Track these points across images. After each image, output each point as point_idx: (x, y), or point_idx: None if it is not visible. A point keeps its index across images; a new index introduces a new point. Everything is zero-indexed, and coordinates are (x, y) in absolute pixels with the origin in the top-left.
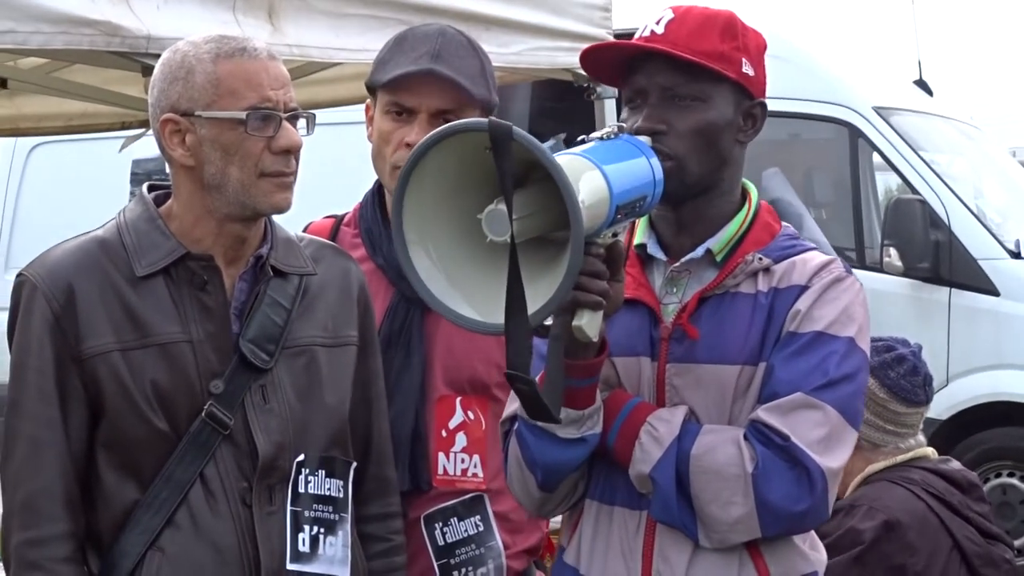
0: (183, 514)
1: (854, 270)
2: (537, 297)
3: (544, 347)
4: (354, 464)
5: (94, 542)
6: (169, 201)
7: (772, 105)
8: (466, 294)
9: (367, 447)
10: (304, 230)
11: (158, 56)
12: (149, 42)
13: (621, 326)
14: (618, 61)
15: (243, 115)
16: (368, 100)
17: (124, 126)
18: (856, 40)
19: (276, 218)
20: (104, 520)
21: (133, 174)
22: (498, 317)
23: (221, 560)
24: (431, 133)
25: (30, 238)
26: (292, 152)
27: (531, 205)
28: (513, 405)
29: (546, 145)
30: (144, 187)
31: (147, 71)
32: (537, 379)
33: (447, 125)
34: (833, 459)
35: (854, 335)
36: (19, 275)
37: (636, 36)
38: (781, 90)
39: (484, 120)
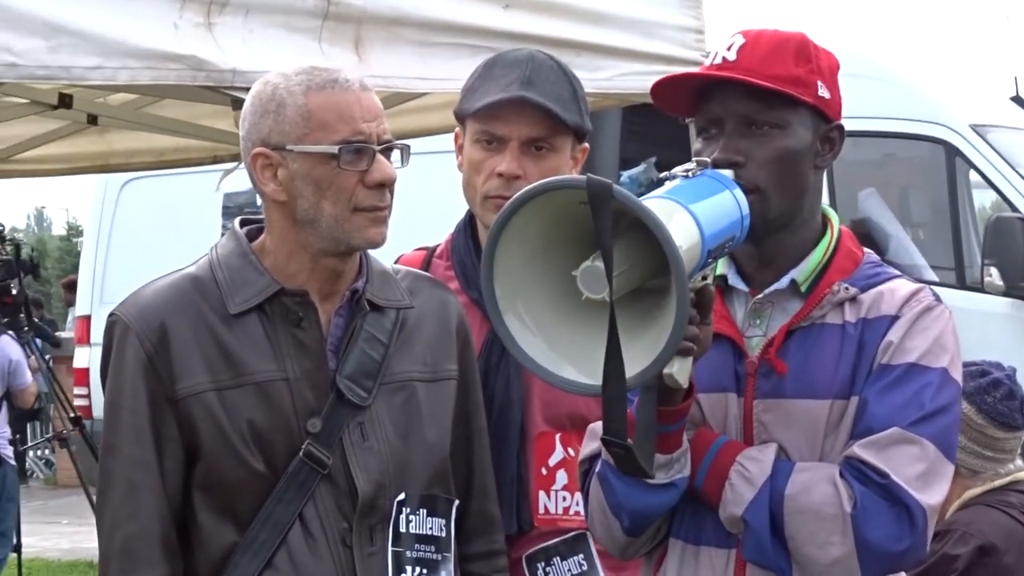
0: (282, 556)
1: (955, 291)
2: (637, 352)
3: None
4: (456, 502)
5: None
6: (262, 236)
7: (867, 125)
8: (565, 355)
9: (469, 483)
10: (396, 262)
11: (245, 89)
12: (235, 75)
13: (705, 362)
14: (690, 91)
15: (335, 149)
16: (457, 129)
17: (216, 160)
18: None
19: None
20: (202, 563)
21: (225, 207)
22: (598, 377)
23: None
24: (523, 190)
25: (123, 273)
26: (386, 186)
27: (625, 258)
28: (592, 444)
29: (638, 170)
30: (236, 222)
31: (237, 104)
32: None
33: (541, 182)
34: (933, 495)
35: (947, 365)
36: (111, 315)
37: (708, 63)
38: (876, 110)
39: (582, 178)
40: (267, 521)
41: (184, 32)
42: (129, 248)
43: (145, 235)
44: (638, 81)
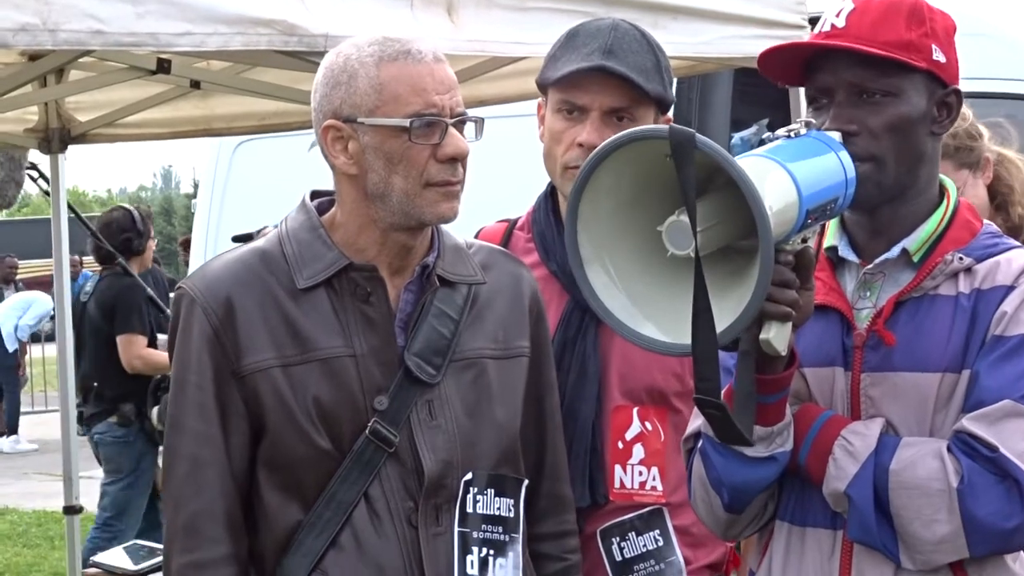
0: (347, 536)
1: None
2: (724, 313)
3: (728, 361)
4: (525, 482)
5: (257, 565)
6: (333, 209)
7: (986, 87)
8: (648, 312)
9: (540, 463)
10: (476, 235)
11: None
12: (327, 40)
13: (811, 334)
14: (799, 60)
15: (407, 122)
16: (540, 99)
17: None
18: None
19: (454, 223)
20: (267, 542)
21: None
22: (684, 337)
23: None
24: (606, 141)
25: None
26: (459, 160)
27: (714, 214)
28: (696, 421)
29: (750, 131)
30: (307, 194)
31: None
32: (722, 395)
33: (623, 132)
34: None
35: None
36: (178, 287)
37: (816, 31)
38: (995, 71)
39: (664, 127)
40: (332, 499)
41: None
42: (242, 209)
43: (258, 196)
44: (738, 45)
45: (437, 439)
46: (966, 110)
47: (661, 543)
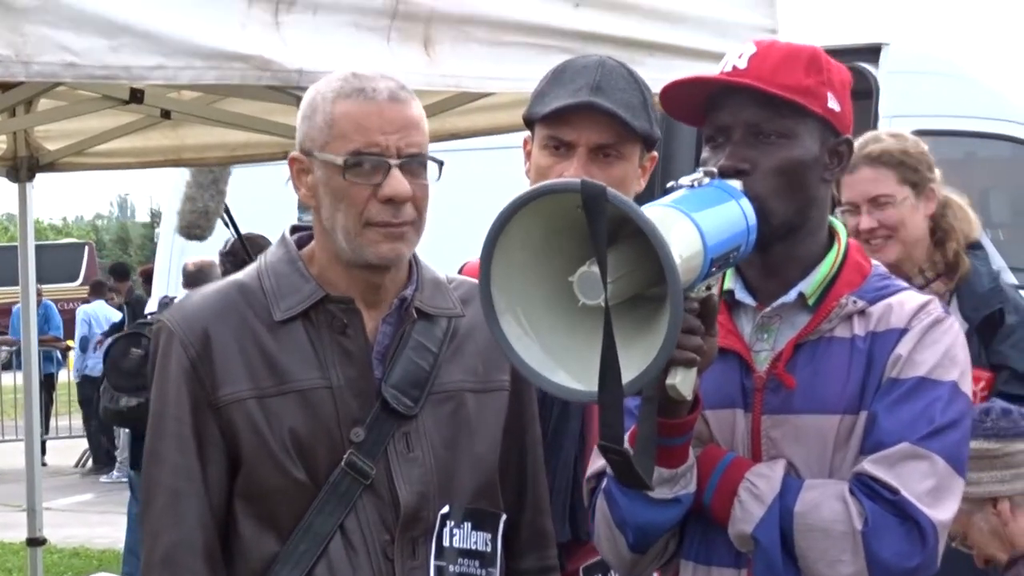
0: (322, 568)
1: None
2: (634, 360)
3: (630, 403)
4: (503, 516)
5: None
6: (312, 242)
7: (947, 125)
8: (560, 360)
9: (522, 496)
10: (460, 270)
11: None
12: (301, 76)
13: (711, 377)
14: (700, 98)
15: (341, 160)
16: (526, 135)
17: (286, 155)
18: None
19: (428, 257)
20: (243, 573)
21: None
22: (594, 384)
23: None
24: (519, 194)
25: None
26: (397, 202)
27: (623, 264)
28: (599, 461)
29: (693, 176)
30: (287, 228)
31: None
32: (627, 436)
33: (536, 185)
34: (943, 511)
35: (957, 379)
36: (158, 321)
37: (719, 71)
38: (956, 109)
39: (576, 180)
40: (308, 531)
41: (251, 31)
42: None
43: (221, 226)
44: None
45: (413, 471)
46: (923, 143)
47: None
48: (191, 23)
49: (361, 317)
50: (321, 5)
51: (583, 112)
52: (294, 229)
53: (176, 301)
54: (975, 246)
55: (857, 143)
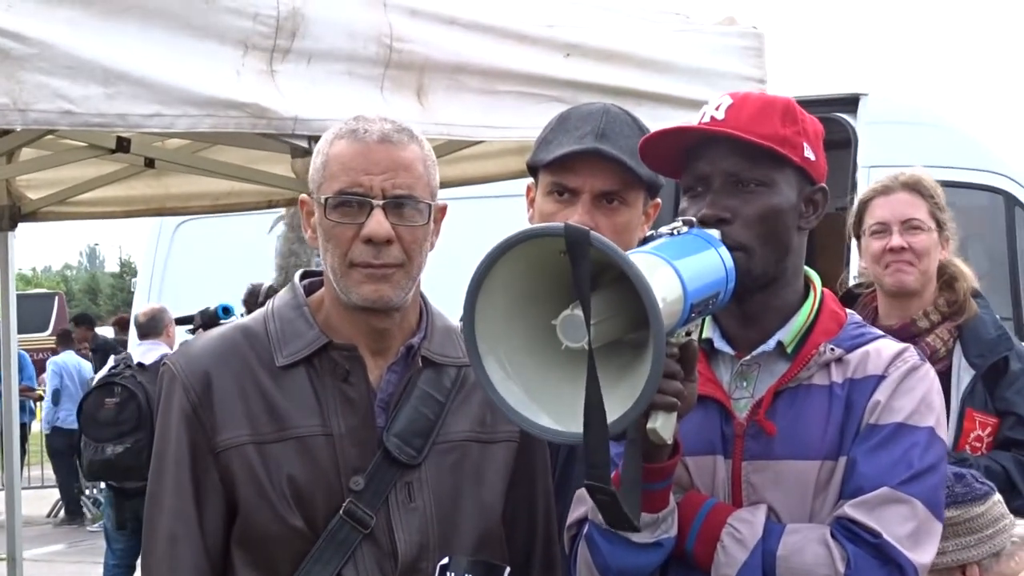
0: None
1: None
2: (615, 403)
3: (614, 448)
4: (507, 570)
5: None
6: (322, 288)
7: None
8: (543, 403)
9: (530, 549)
10: None
11: (306, 137)
12: (296, 123)
13: (691, 423)
14: (677, 149)
15: (322, 199)
16: (529, 182)
17: (271, 204)
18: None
19: (437, 304)
20: None
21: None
22: (577, 426)
23: None
24: (503, 239)
25: (176, 313)
26: (375, 242)
27: (605, 309)
28: (580, 509)
29: (673, 225)
30: (298, 274)
31: (296, 152)
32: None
33: (521, 230)
34: (923, 554)
35: (933, 425)
36: (163, 364)
37: (696, 122)
38: (934, 159)
39: (560, 225)
40: None
41: (246, 79)
42: (182, 288)
43: (199, 275)
44: None
45: (413, 521)
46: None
47: None
48: (187, 71)
49: (364, 365)
50: (315, 54)
51: (588, 159)
52: (304, 275)
53: (182, 343)
54: (975, 295)
55: (885, 176)
